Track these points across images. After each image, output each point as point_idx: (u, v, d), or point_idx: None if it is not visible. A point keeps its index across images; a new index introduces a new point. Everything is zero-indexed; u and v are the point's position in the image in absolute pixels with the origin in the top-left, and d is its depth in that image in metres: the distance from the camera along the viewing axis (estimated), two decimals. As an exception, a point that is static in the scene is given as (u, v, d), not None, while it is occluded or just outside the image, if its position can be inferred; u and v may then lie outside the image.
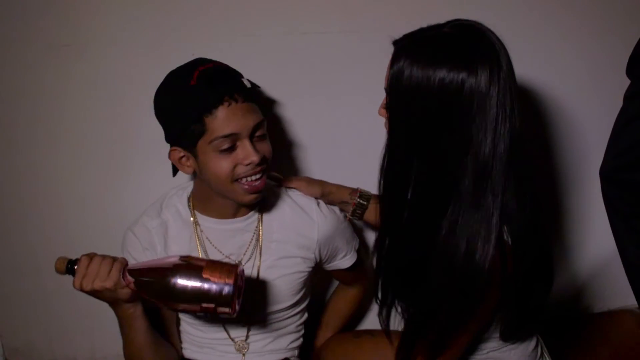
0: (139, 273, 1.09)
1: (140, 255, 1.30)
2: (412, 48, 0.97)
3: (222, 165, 1.17)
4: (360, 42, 1.53)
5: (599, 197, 1.58)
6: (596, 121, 1.66)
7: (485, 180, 0.94)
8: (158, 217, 1.31)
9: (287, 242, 1.33)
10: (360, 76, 1.56)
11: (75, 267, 1.10)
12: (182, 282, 1.03)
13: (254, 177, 1.20)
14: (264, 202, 1.33)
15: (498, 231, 0.94)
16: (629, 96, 1.37)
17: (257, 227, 1.32)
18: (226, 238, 1.30)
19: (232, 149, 1.16)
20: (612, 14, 1.65)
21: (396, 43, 1.01)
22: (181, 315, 1.38)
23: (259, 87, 1.24)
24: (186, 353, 1.40)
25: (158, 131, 1.57)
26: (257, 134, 1.19)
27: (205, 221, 1.30)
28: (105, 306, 1.72)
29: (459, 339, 1.04)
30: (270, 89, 1.55)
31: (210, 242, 1.30)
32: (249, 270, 1.31)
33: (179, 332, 1.41)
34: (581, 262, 1.94)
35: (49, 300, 1.74)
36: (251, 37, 1.50)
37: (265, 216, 1.33)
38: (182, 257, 1.08)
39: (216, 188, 1.22)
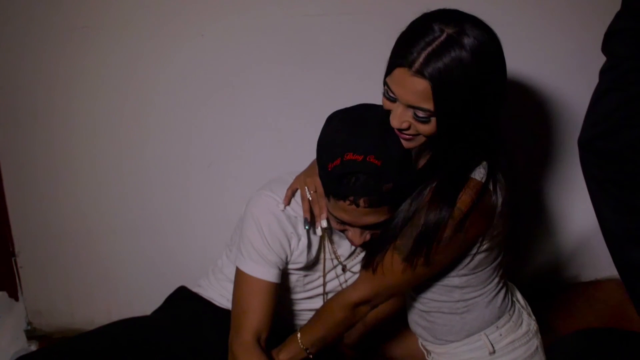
0: None
1: (267, 232, 1.30)
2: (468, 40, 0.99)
3: (336, 225, 1.25)
4: (358, 24, 1.61)
5: (584, 168, 1.64)
6: (582, 100, 1.74)
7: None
8: (295, 203, 1.33)
9: None
10: (358, 57, 1.64)
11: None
12: None
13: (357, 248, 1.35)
14: None
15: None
16: (603, 71, 1.45)
17: None
18: (342, 239, 1.37)
19: (344, 224, 1.22)
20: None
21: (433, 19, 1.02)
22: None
23: (396, 195, 1.14)
24: None
25: (171, 110, 1.67)
26: (371, 227, 1.20)
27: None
28: (121, 273, 1.87)
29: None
30: (271, 69, 1.64)
31: (331, 238, 1.39)
32: (356, 269, 1.42)
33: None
34: (569, 232, 2.01)
35: (69, 265, 1.85)
36: (254, 19, 1.57)
37: None
38: None
39: None
